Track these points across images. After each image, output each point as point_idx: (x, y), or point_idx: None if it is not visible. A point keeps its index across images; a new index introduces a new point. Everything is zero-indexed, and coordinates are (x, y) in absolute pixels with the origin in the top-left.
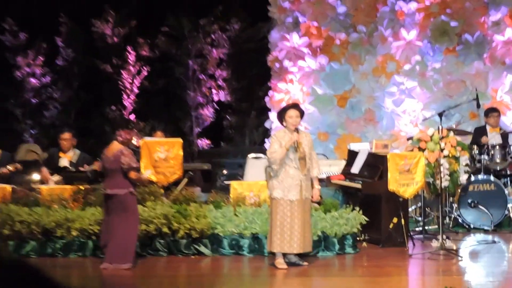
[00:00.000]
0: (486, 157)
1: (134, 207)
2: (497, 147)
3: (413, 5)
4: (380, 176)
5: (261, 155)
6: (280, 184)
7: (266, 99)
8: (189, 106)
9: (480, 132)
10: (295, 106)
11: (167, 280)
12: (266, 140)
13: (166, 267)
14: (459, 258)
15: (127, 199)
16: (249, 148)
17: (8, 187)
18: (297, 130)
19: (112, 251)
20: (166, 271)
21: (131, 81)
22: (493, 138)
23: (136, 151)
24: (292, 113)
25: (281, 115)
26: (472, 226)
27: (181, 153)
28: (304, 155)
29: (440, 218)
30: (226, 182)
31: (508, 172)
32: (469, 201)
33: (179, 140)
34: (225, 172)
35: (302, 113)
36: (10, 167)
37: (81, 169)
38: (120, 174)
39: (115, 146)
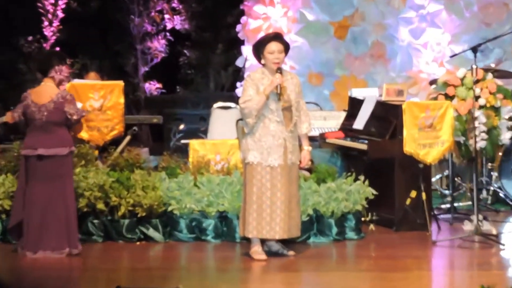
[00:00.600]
0: None
1: (71, 172)
2: None
3: None
4: (392, 133)
5: (230, 104)
6: (257, 144)
7: (238, 27)
8: (132, 37)
9: None
10: (277, 37)
11: (103, 274)
12: (237, 84)
13: (102, 257)
14: (501, 247)
15: (68, 161)
16: (215, 94)
17: None
18: (280, 70)
19: (46, 233)
20: (102, 262)
21: (53, 2)
22: None
23: None
24: (273, 47)
25: (258, 50)
26: None
27: (122, 100)
28: (290, 104)
29: (475, 191)
30: (183, 141)
31: None
32: None
33: (119, 83)
34: (182, 127)
35: (286, 47)
36: None
37: None
38: (62, 128)
39: (50, 90)
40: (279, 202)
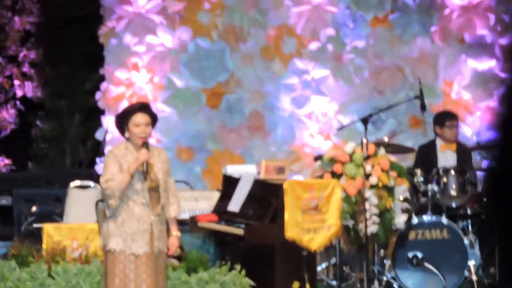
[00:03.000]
0: (435, 187)
1: None
2: (452, 172)
3: None
4: (273, 216)
5: (89, 182)
6: (120, 229)
7: (97, 94)
8: None
9: (427, 150)
10: (144, 108)
11: None
12: (97, 159)
13: None
14: None
15: None
16: (72, 172)
17: None
18: (146, 145)
19: None
20: None
21: None
22: (446, 159)
23: None
24: (139, 119)
25: (122, 122)
26: None
27: None
28: (157, 184)
29: (365, 282)
30: (35, 225)
31: (469, 212)
32: (410, 256)
33: None
34: (34, 209)
35: (154, 119)
36: None
37: None
38: None
39: None
40: None
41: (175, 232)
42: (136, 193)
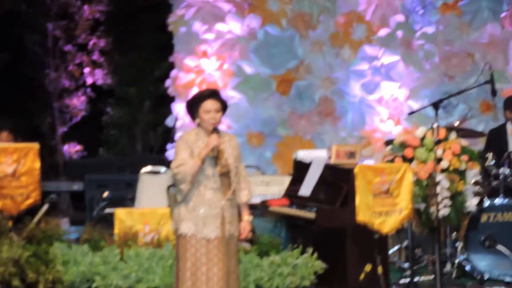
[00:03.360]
0: (507, 171)
1: None
2: None
3: None
4: (343, 200)
5: (160, 168)
6: (191, 213)
7: (167, 82)
8: (48, 93)
9: (498, 134)
10: (214, 94)
11: None
12: (168, 145)
13: None
14: None
15: None
16: (143, 157)
17: None
18: (216, 131)
19: None
20: None
21: None
22: None
23: None
24: (209, 106)
25: (192, 108)
26: (486, 276)
27: (37, 165)
28: (228, 169)
29: (438, 264)
30: (107, 211)
31: None
32: (482, 238)
33: (34, 146)
34: (106, 194)
35: (224, 105)
36: None
37: None
38: None
39: None
40: (216, 278)
41: (246, 216)
42: (207, 178)
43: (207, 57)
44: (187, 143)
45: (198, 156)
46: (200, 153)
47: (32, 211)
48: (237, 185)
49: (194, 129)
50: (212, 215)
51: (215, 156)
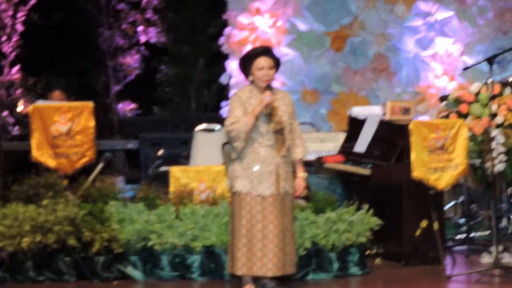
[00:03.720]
0: None
1: None
2: None
3: None
4: (399, 156)
5: (215, 126)
6: (246, 171)
7: (221, 39)
8: (102, 52)
9: None
10: (267, 51)
11: None
12: (222, 103)
13: None
14: None
15: None
16: (197, 115)
17: None
18: (270, 88)
19: None
20: None
21: (12, 14)
22: None
23: (23, 122)
24: (262, 63)
25: (245, 66)
26: None
27: (92, 124)
28: (282, 126)
29: (494, 220)
30: (162, 169)
31: None
32: None
33: (88, 104)
34: (161, 152)
35: (277, 62)
36: None
37: None
38: None
39: None
40: (271, 235)
41: (301, 173)
42: (261, 136)
43: (261, 14)
44: (241, 101)
45: (252, 113)
46: (253, 110)
47: (87, 169)
48: (291, 142)
49: (247, 86)
50: (267, 172)
51: (269, 113)
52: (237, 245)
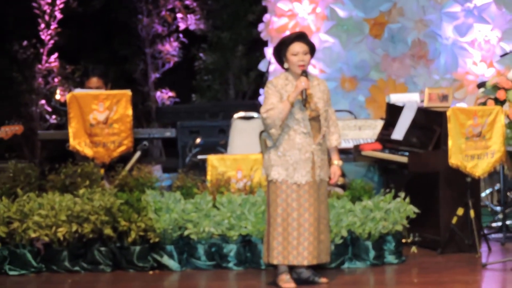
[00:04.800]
0: None
1: None
2: None
3: None
4: (436, 144)
5: (253, 113)
6: (282, 159)
7: (260, 26)
8: (140, 40)
9: None
10: (301, 37)
11: None
12: (260, 90)
13: None
14: None
15: None
16: (235, 103)
17: None
18: (305, 73)
19: None
20: None
21: (50, 2)
22: None
23: (61, 110)
24: (296, 48)
25: (280, 52)
26: None
27: (130, 112)
28: (318, 113)
29: None
30: (200, 157)
31: None
32: None
33: (127, 92)
34: (198, 141)
35: (312, 48)
36: None
37: None
38: None
39: None
40: (307, 224)
41: (336, 161)
42: (297, 123)
43: (300, 1)
44: (276, 88)
45: (288, 100)
46: (289, 97)
47: (124, 158)
48: (327, 129)
49: (283, 73)
50: (303, 160)
51: (304, 99)
52: (272, 234)
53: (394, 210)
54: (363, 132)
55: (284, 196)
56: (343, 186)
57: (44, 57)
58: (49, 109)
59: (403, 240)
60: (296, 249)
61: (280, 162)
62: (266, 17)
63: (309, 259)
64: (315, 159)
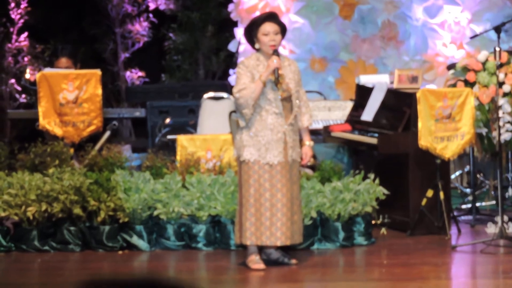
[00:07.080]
0: None
1: None
2: None
3: None
4: (406, 125)
5: (223, 94)
6: (254, 139)
7: (230, 6)
8: (111, 19)
9: None
10: (272, 17)
11: None
12: (230, 71)
13: (80, 268)
14: None
15: None
16: (205, 83)
17: None
18: (277, 53)
19: None
20: (80, 274)
21: None
22: None
23: (30, 90)
24: (267, 28)
25: (251, 33)
26: None
27: (99, 91)
28: (290, 93)
29: (499, 189)
30: (169, 137)
31: None
32: None
33: (96, 72)
34: (168, 121)
35: (283, 28)
36: None
37: None
38: None
39: None
40: (279, 204)
41: (308, 141)
42: (269, 103)
43: None
44: (248, 68)
45: (260, 79)
46: (261, 76)
47: (94, 138)
48: (298, 109)
49: (254, 54)
50: (275, 140)
51: (276, 78)
52: (245, 215)
53: (363, 192)
54: (333, 113)
55: (257, 177)
56: (312, 167)
57: (14, 36)
58: (19, 88)
59: (373, 222)
60: (269, 230)
61: (252, 142)
62: None
63: (282, 239)
64: (287, 139)
